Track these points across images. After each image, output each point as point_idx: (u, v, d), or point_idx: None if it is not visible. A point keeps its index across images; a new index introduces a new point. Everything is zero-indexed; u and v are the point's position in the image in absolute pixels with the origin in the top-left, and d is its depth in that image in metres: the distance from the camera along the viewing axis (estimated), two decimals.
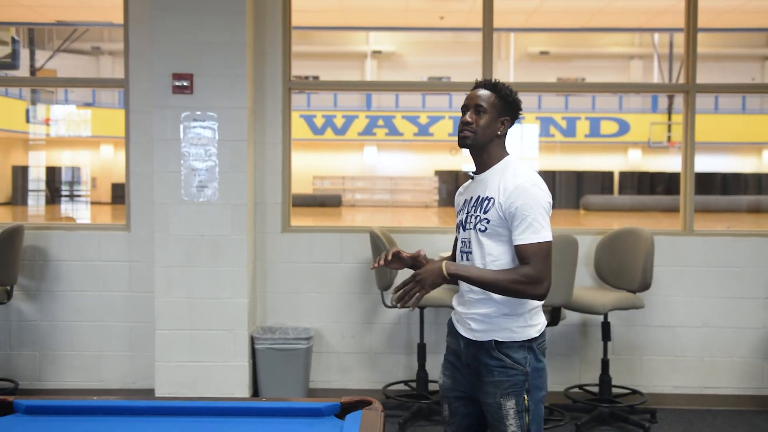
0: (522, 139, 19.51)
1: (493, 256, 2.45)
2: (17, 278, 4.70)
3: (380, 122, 24.68)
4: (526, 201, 2.39)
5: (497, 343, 2.46)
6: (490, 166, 2.52)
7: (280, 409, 2.43)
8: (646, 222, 14.59)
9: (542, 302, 2.52)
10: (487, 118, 2.47)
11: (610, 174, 24.75)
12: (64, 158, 25.02)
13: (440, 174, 26.58)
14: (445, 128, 26.06)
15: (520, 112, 2.56)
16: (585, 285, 4.83)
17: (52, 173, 24.88)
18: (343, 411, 2.43)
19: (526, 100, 2.67)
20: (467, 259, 2.52)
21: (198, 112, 4.64)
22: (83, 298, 4.95)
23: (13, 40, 11.24)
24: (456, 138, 2.52)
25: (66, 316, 4.94)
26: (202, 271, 4.64)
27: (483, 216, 2.46)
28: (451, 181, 26.54)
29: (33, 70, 15.53)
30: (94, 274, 4.93)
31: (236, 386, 4.70)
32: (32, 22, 10.87)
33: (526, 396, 2.45)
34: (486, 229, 2.45)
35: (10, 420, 2.37)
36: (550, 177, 23.37)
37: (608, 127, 23.66)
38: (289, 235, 5.01)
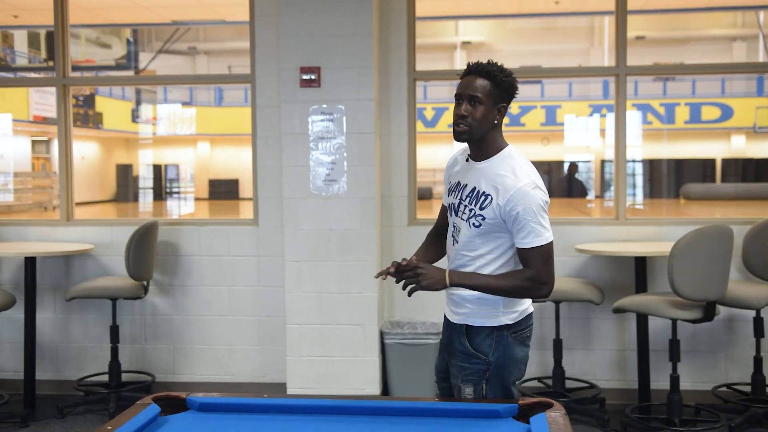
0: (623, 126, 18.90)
1: (482, 251, 2.44)
2: (153, 273, 4.79)
3: None
4: (527, 205, 2.34)
5: (467, 329, 2.48)
6: (487, 156, 2.45)
7: (456, 410, 2.34)
8: (751, 211, 13.86)
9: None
10: (483, 110, 2.40)
11: (712, 161, 23.72)
12: (164, 156, 25.84)
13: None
14: (537, 118, 25.57)
15: (516, 93, 2.46)
16: (731, 278, 4.55)
17: (153, 171, 25.71)
18: (521, 413, 2.31)
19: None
20: (455, 242, 2.51)
21: (325, 105, 4.60)
22: (213, 292, 5.01)
23: (128, 42, 11.61)
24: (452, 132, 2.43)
25: (197, 310, 5.01)
26: (331, 266, 4.61)
27: (479, 212, 2.41)
28: (542, 172, 26.08)
29: (137, 71, 16.03)
30: (224, 268, 4.98)
31: (366, 382, 4.66)
32: (148, 23, 11.19)
33: (485, 385, 2.46)
34: (480, 225, 2.41)
35: (185, 417, 2.37)
36: (647, 166, 22.61)
37: (710, 113, 22.68)
38: (415, 228, 4.93)
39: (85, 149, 25.64)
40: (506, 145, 2.47)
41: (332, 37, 4.60)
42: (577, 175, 23.56)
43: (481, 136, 2.43)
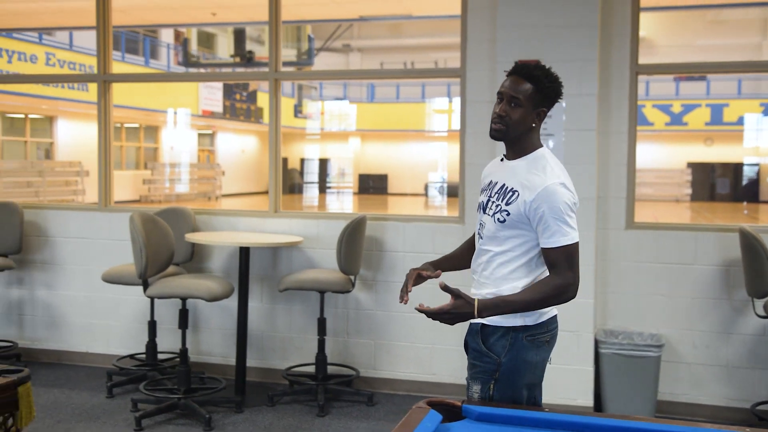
0: None
1: (505, 247, 2.41)
2: (360, 268, 4.78)
3: None
4: (554, 204, 2.31)
5: (482, 327, 2.43)
6: (520, 156, 2.43)
7: None
8: None
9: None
10: (521, 113, 2.37)
11: None
12: (319, 151, 26.50)
13: (693, 166, 24.74)
14: (701, 117, 24.13)
15: (559, 99, 2.44)
16: None
17: (309, 165, 26.43)
18: None
19: None
20: (480, 237, 2.50)
21: None
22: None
23: (309, 38, 11.94)
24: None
25: (401, 306, 4.95)
26: None
27: (504, 207, 2.40)
28: (705, 174, 24.58)
29: (299, 68, 16.46)
30: None
31: (579, 393, 4.43)
32: (334, 19, 11.42)
33: (492, 385, 2.41)
34: (505, 221, 2.39)
35: (465, 426, 2.25)
36: None
37: None
38: (633, 232, 4.63)
39: (246, 143, 26.80)
40: (541, 146, 2.46)
41: (552, 27, 4.39)
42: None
43: (516, 137, 2.41)
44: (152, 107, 19.09)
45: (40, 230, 5.54)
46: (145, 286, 4.48)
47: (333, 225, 4.99)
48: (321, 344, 4.76)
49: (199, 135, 24.29)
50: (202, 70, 18.05)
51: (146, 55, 20.10)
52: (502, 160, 2.52)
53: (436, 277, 2.59)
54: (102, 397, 4.70)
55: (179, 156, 21.57)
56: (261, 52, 13.98)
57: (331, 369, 4.94)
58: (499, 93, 2.43)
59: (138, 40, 20.19)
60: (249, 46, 14.30)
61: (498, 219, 2.41)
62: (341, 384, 4.82)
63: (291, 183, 25.60)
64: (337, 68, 23.72)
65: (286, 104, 23.43)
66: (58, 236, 5.52)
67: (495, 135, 2.44)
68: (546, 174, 2.36)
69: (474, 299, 2.32)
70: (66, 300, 5.51)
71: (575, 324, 4.40)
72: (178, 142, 21.64)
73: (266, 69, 5.32)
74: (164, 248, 4.60)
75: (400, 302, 2.51)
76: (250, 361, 5.04)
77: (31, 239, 5.53)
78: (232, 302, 4.96)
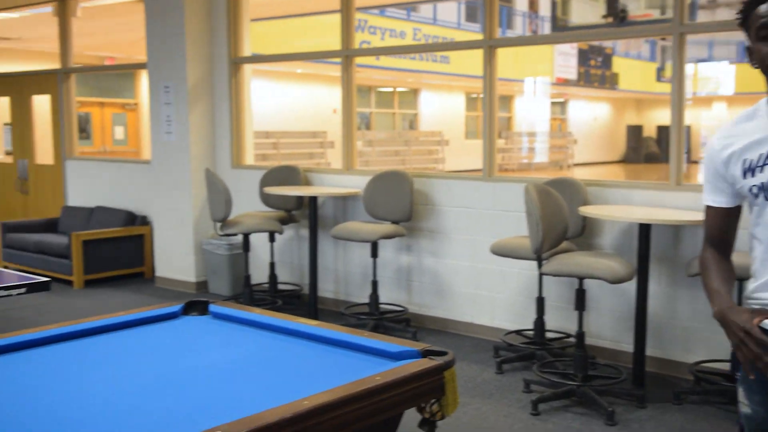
0: None
1: None
2: None
3: None
4: None
5: None
6: None
7: None
8: None
9: None
10: None
11: None
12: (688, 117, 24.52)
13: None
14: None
15: None
16: None
17: (664, 132, 24.64)
18: None
19: None
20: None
21: None
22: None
23: None
24: None
25: None
26: None
27: None
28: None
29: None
30: None
31: None
32: None
33: None
34: None
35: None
36: None
37: None
38: None
39: (598, 110, 25.82)
40: None
41: None
42: None
43: None
44: (507, 77, 19.20)
45: (427, 199, 5.64)
46: (539, 261, 4.24)
47: None
48: None
49: (551, 103, 23.96)
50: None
51: (503, 25, 20.23)
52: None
53: None
54: (491, 373, 4.60)
55: (533, 125, 21.51)
56: (635, 10, 13.12)
57: None
58: (760, 27, 1.71)
59: None
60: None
61: None
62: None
63: (647, 152, 24.07)
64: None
65: (641, 68, 21.94)
66: (443, 205, 5.57)
67: None
68: None
69: None
70: (451, 269, 5.55)
71: None
72: (531, 110, 21.57)
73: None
74: (558, 222, 4.31)
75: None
76: (648, 350, 4.55)
77: (420, 207, 5.66)
78: (627, 284, 4.50)
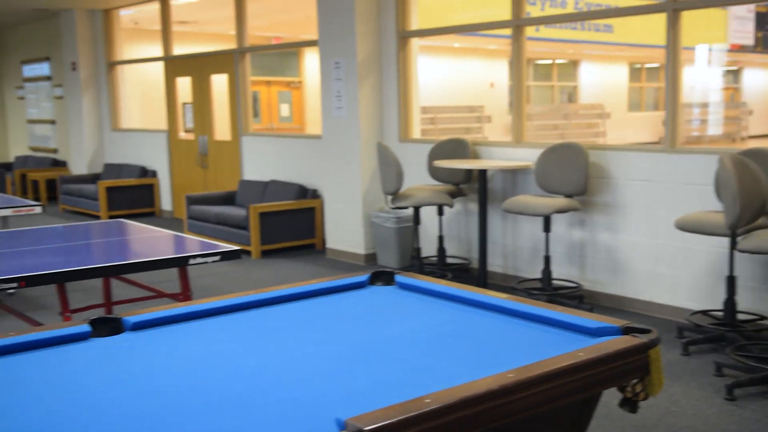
0: None
1: None
2: None
3: None
4: None
5: None
6: None
7: None
8: None
9: None
10: None
11: None
12: None
13: None
14: None
15: None
16: None
17: None
18: None
19: None
20: None
21: None
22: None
23: None
24: None
25: None
26: None
27: None
28: None
29: None
30: None
31: None
32: None
33: None
34: None
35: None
36: None
37: None
38: None
39: None
40: None
41: None
42: None
43: None
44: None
45: (603, 172, 5.42)
46: (734, 238, 3.97)
47: None
48: None
49: (723, 72, 22.32)
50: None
51: None
52: None
53: None
54: (677, 354, 4.37)
55: (703, 95, 20.17)
56: None
57: None
58: None
59: None
60: None
61: None
62: None
63: None
64: None
65: None
66: (621, 178, 5.33)
67: None
68: None
69: None
70: (629, 245, 5.32)
71: None
72: (700, 80, 20.22)
73: None
74: (756, 195, 4.00)
75: None
76: None
77: (594, 181, 5.45)
78: None
